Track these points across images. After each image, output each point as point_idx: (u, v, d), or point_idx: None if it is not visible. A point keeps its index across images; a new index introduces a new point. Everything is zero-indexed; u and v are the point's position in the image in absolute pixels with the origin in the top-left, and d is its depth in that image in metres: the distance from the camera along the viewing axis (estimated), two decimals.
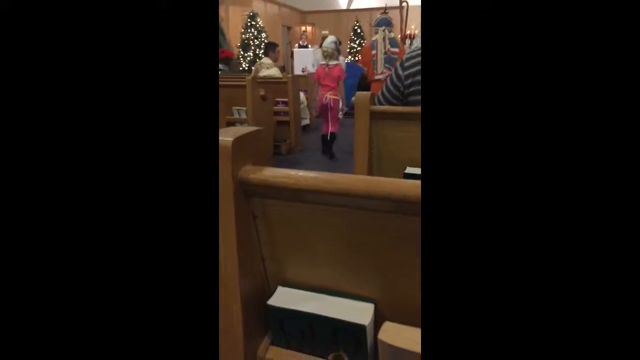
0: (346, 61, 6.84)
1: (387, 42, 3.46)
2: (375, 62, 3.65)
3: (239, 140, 0.44)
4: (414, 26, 9.95)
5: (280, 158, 3.62)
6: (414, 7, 10.57)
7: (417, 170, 1.11)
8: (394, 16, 10.34)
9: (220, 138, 0.44)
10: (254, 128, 0.48)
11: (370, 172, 1.26)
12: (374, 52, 3.66)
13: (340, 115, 3.31)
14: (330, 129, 3.27)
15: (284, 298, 0.52)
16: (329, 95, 3.13)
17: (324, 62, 3.20)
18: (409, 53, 1.19)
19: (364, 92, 1.16)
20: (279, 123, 3.81)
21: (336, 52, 3.21)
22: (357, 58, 7.62)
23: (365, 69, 4.00)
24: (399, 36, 10.43)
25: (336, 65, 3.16)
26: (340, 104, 3.21)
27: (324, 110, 3.23)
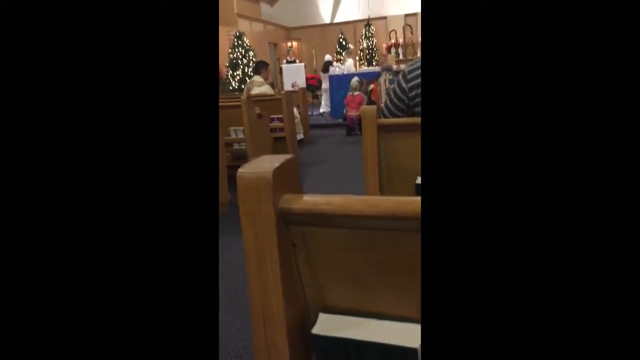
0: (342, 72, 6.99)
1: (387, 82, 5.21)
2: (380, 96, 5.58)
3: (278, 170, 0.44)
4: (398, 35, 10.14)
5: None
6: (395, 16, 10.77)
7: None
8: (377, 27, 10.48)
9: (255, 170, 0.44)
10: (288, 156, 0.48)
11: (380, 185, 1.26)
12: (377, 89, 5.72)
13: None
14: (354, 127, 5.55)
15: (328, 325, 0.51)
16: (354, 112, 5.50)
17: (350, 93, 5.73)
18: (411, 65, 1.21)
19: (370, 106, 1.17)
20: (276, 139, 3.82)
21: (359, 86, 5.72)
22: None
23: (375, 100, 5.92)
24: (384, 46, 10.59)
25: (359, 94, 5.68)
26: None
27: (352, 120, 5.68)
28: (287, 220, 0.47)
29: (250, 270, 0.46)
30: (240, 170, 0.44)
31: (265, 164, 0.45)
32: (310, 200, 0.44)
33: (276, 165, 0.45)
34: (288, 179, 0.47)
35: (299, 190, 0.49)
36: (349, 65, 7.80)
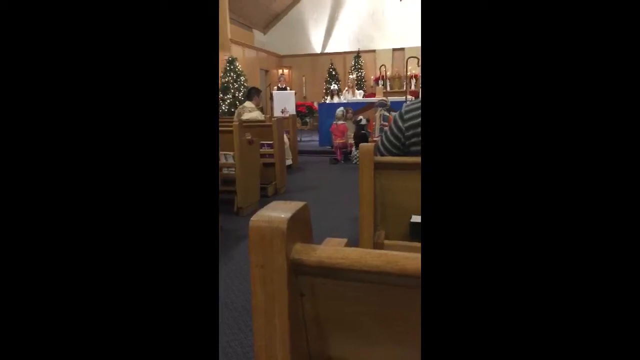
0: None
1: (381, 118, 5.30)
2: (374, 130, 5.66)
3: (292, 220, 0.43)
4: (386, 68, 10.50)
5: (267, 200, 3.60)
6: (383, 50, 11.18)
7: None
8: (366, 59, 10.84)
9: (269, 219, 0.43)
10: (301, 203, 0.47)
11: (375, 221, 1.26)
12: (374, 123, 5.81)
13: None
14: (339, 155, 5.96)
15: None
16: (339, 140, 5.97)
17: (335, 122, 6.02)
18: (407, 106, 1.24)
19: (367, 144, 1.18)
20: (265, 165, 3.81)
21: (343, 116, 6.03)
22: (333, 99, 7.93)
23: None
24: (372, 77, 10.92)
25: (342, 123, 5.97)
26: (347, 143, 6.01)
27: (337, 147, 6.03)
28: (298, 270, 0.46)
29: (257, 326, 0.44)
30: (253, 219, 0.44)
31: (278, 213, 0.44)
32: (324, 254, 0.43)
33: (290, 214, 0.44)
34: (300, 227, 0.46)
35: (310, 237, 0.48)
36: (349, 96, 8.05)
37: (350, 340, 0.50)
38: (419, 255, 0.41)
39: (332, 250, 0.44)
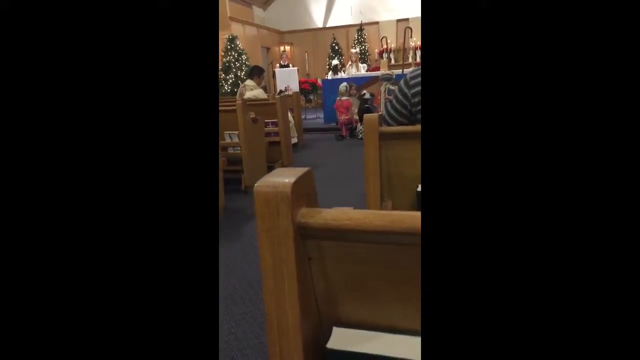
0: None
1: (386, 92, 5.22)
2: (379, 104, 5.66)
3: (296, 185, 0.43)
4: (390, 40, 10.23)
5: None
6: (387, 22, 10.87)
7: None
8: (369, 32, 10.58)
9: (273, 184, 0.43)
10: (305, 169, 0.47)
11: (381, 192, 1.26)
12: (379, 97, 5.79)
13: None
14: (344, 132, 5.89)
15: (343, 340, 0.51)
16: (343, 117, 5.84)
17: (339, 97, 5.82)
18: (412, 72, 1.21)
19: (372, 115, 1.17)
20: (270, 144, 3.81)
21: (347, 91, 5.81)
22: (338, 74, 7.78)
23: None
24: (376, 51, 10.67)
25: (347, 99, 5.78)
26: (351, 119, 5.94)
27: (342, 124, 5.94)
28: (304, 234, 0.46)
29: (266, 288, 0.45)
30: (257, 184, 0.44)
31: (281, 178, 0.44)
32: (330, 216, 0.43)
33: (294, 179, 0.44)
34: (305, 192, 0.47)
35: (315, 203, 0.48)
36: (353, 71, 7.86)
37: (358, 300, 0.51)
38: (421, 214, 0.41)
39: (338, 212, 0.44)
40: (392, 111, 1.23)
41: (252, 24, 9.84)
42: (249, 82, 4.46)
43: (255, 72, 4.49)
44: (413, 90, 1.17)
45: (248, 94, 4.23)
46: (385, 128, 1.19)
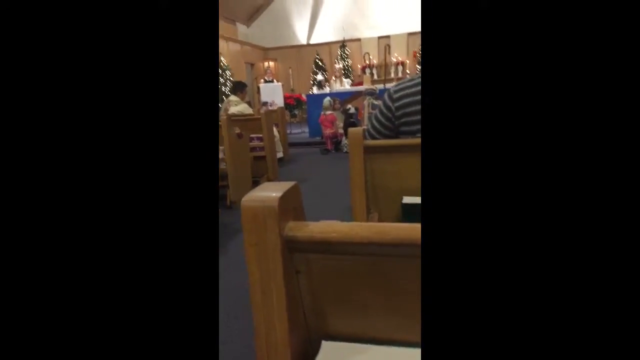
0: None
1: (370, 107, 5.41)
2: (363, 118, 5.72)
3: (283, 199, 0.44)
4: (372, 56, 10.46)
5: None
6: (369, 39, 11.13)
7: (415, 199, 1.14)
8: (351, 49, 10.75)
9: (260, 199, 0.44)
10: (292, 183, 0.48)
11: (367, 205, 1.27)
12: (363, 112, 5.87)
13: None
14: (330, 145, 6.00)
15: (332, 353, 0.50)
16: (328, 130, 5.96)
17: (323, 112, 5.98)
18: (396, 85, 1.24)
19: (357, 128, 1.19)
20: (256, 158, 3.80)
21: (331, 105, 6.02)
22: (321, 89, 7.88)
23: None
24: (359, 66, 10.87)
25: (331, 114, 5.96)
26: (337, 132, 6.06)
27: (327, 138, 6.05)
28: (292, 248, 0.46)
29: (255, 302, 0.45)
30: (244, 199, 0.44)
31: (268, 192, 0.45)
32: (316, 229, 0.44)
33: (280, 193, 0.45)
34: (292, 206, 0.47)
35: (302, 216, 0.49)
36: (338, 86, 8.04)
37: (346, 313, 0.51)
38: (408, 225, 0.42)
39: (324, 225, 0.45)
40: (377, 124, 1.26)
41: (235, 41, 9.92)
42: (232, 97, 4.47)
43: (238, 88, 4.51)
44: (397, 104, 1.20)
45: (232, 109, 4.23)
46: (369, 141, 1.21)
